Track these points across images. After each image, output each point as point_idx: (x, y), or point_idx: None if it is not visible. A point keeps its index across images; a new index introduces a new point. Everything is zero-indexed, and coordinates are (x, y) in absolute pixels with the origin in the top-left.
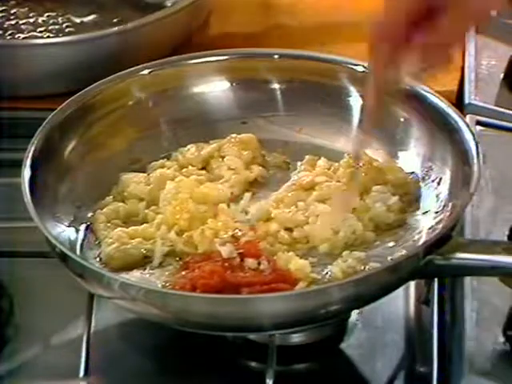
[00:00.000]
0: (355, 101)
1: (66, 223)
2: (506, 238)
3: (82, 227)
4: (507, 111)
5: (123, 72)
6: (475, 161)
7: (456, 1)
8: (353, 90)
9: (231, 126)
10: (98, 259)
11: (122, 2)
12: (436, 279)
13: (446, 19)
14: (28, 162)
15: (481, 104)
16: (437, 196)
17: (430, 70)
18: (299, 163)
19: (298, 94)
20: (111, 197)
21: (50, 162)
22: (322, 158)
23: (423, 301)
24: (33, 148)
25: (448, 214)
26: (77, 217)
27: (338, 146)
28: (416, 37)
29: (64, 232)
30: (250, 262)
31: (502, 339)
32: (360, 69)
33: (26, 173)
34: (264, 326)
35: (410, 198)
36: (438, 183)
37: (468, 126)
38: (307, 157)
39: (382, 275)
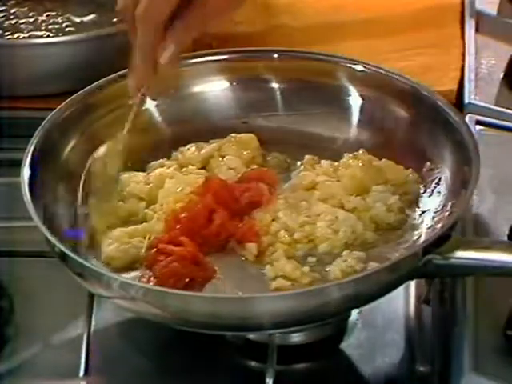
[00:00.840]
0: (355, 100)
1: (65, 222)
2: (506, 238)
3: (81, 226)
4: (507, 111)
5: (123, 71)
6: (474, 160)
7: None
8: (352, 89)
9: (231, 125)
10: (98, 260)
11: None
12: (436, 279)
13: (193, 9)
14: (27, 162)
15: (481, 103)
16: (436, 195)
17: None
18: (299, 163)
19: (297, 94)
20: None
21: (50, 162)
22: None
23: (423, 300)
24: (32, 147)
25: (447, 213)
26: (76, 216)
27: (338, 145)
28: (171, 26)
29: (63, 231)
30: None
31: (502, 339)
32: (359, 68)
33: (26, 172)
34: (264, 325)
35: (409, 197)
36: (438, 183)
37: (467, 125)
38: (307, 156)
39: (381, 275)
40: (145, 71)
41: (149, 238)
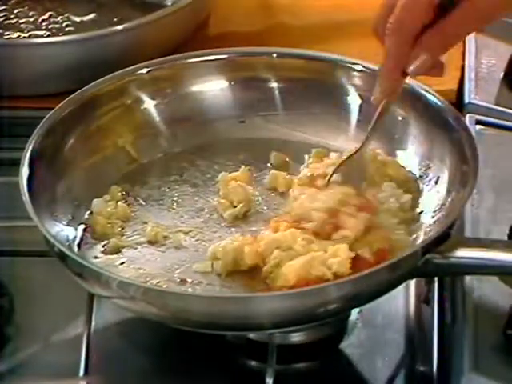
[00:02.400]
0: (354, 99)
1: (65, 222)
2: (506, 237)
3: (81, 226)
4: (507, 110)
5: (122, 71)
6: (473, 160)
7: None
8: (351, 89)
9: (229, 125)
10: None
11: (121, 1)
12: (436, 278)
13: (454, 18)
14: (26, 161)
15: (481, 103)
16: (435, 195)
17: (429, 71)
18: (306, 156)
19: (296, 93)
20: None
21: (49, 161)
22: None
23: (423, 300)
24: (31, 147)
25: (446, 212)
26: (75, 216)
27: (337, 144)
28: (424, 36)
29: (62, 231)
30: None
31: (502, 339)
32: (358, 67)
33: (24, 171)
34: (263, 324)
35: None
36: (436, 182)
37: (466, 124)
38: (314, 150)
39: (380, 274)
40: (393, 80)
41: None
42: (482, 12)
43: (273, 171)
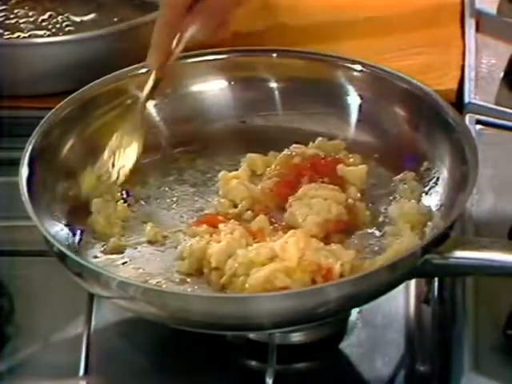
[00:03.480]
0: (353, 99)
1: (64, 222)
2: (506, 237)
3: (80, 226)
4: (507, 110)
5: (121, 71)
6: (473, 160)
7: None
8: (351, 89)
9: (229, 124)
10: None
11: (121, 1)
12: (436, 278)
13: None
14: (26, 161)
15: (481, 103)
16: (434, 195)
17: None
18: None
19: (296, 93)
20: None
21: (48, 161)
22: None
23: (423, 300)
24: (31, 146)
25: (446, 213)
26: (75, 215)
27: (336, 144)
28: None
29: (62, 231)
30: None
31: (502, 339)
32: (358, 67)
33: (24, 171)
34: (263, 324)
35: None
36: (436, 182)
37: (466, 124)
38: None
39: (380, 274)
40: (166, 48)
41: None
42: None
43: (249, 154)
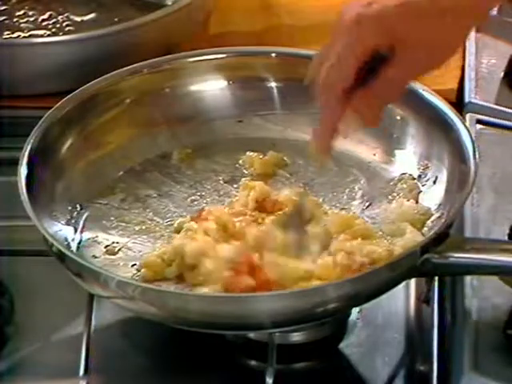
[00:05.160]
0: None
1: (63, 221)
2: (506, 237)
3: (79, 226)
4: (507, 110)
5: (121, 70)
6: (472, 159)
7: (404, 50)
8: None
9: (228, 124)
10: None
11: (121, 1)
12: (436, 278)
13: (377, 84)
14: (25, 160)
15: (481, 103)
16: (433, 194)
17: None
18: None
19: (294, 93)
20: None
21: (47, 160)
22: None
23: (423, 299)
24: (29, 146)
25: (445, 212)
26: (74, 215)
27: (335, 144)
28: (353, 97)
29: (61, 230)
30: None
31: (502, 339)
32: None
33: (23, 171)
34: (263, 324)
35: None
36: (435, 182)
37: (465, 124)
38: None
39: (379, 274)
40: (325, 139)
41: None
42: (403, 79)
43: (248, 153)
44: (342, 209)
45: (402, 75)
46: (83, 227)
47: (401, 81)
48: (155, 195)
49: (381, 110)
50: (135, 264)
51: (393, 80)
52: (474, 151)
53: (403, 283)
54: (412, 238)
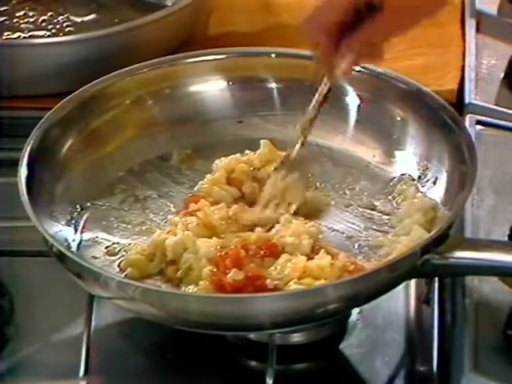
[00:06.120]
0: (351, 100)
1: (63, 222)
2: (506, 238)
3: (80, 226)
4: (507, 111)
5: (121, 71)
6: (472, 160)
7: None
8: (349, 89)
9: (228, 125)
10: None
11: (122, 2)
12: (436, 278)
13: (381, 19)
14: (25, 161)
15: (481, 103)
16: (433, 195)
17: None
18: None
19: (294, 93)
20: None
21: (47, 161)
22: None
23: (424, 300)
24: (29, 147)
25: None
26: (74, 216)
27: (335, 144)
28: (346, 38)
29: (61, 231)
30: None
31: (502, 339)
32: (357, 68)
33: (23, 171)
34: (263, 325)
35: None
36: (434, 182)
37: (464, 125)
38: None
39: (379, 274)
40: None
41: None
42: (397, 21)
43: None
44: (342, 209)
45: (390, 25)
46: (83, 228)
47: (389, 29)
48: (155, 196)
49: (376, 47)
50: None
51: (379, 28)
52: (474, 152)
53: (403, 284)
54: (418, 236)
